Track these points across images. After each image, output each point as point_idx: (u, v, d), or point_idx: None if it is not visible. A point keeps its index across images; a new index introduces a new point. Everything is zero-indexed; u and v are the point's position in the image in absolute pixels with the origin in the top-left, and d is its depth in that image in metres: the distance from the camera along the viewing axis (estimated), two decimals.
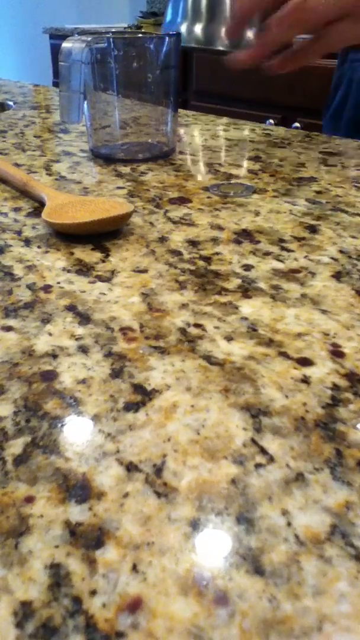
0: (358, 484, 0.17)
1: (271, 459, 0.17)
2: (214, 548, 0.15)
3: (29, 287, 0.28)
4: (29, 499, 0.16)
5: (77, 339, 0.24)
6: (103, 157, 0.51)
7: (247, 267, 0.30)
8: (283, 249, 0.32)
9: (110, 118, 0.49)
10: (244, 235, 0.34)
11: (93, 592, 0.14)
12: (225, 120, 0.67)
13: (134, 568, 0.14)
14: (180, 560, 0.14)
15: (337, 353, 0.23)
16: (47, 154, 0.52)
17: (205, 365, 0.22)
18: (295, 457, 0.18)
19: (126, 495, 0.16)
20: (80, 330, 0.24)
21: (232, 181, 0.44)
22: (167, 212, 0.38)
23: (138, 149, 0.51)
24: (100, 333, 0.24)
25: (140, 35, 0.52)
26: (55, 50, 2.70)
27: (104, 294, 0.27)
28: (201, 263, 0.30)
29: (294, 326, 0.25)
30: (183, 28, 0.54)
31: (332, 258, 0.31)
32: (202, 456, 0.18)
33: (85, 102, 0.48)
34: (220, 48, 0.54)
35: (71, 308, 0.26)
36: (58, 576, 0.14)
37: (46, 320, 0.25)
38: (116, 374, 0.21)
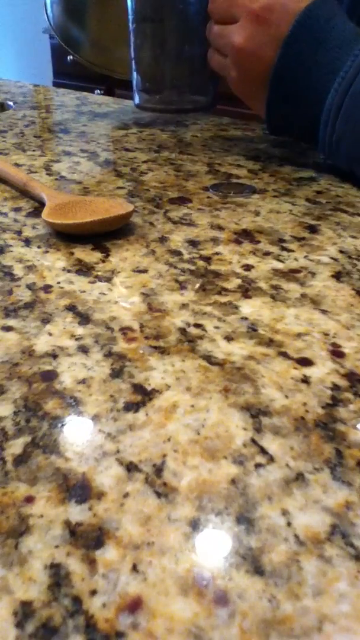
0: (358, 484, 0.17)
1: (271, 459, 0.17)
2: (214, 548, 0.15)
3: (29, 287, 0.28)
4: (29, 499, 0.16)
5: (77, 339, 0.24)
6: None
7: (247, 267, 0.30)
8: (283, 249, 0.32)
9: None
10: (244, 235, 0.34)
11: (93, 592, 0.14)
12: (225, 120, 0.67)
13: (134, 568, 0.14)
14: (180, 560, 0.14)
15: (337, 353, 0.23)
16: (47, 154, 0.52)
17: (205, 365, 0.22)
18: (295, 457, 0.18)
19: (126, 495, 0.16)
20: (80, 330, 0.24)
21: (232, 181, 0.44)
22: (167, 212, 0.38)
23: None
24: (100, 333, 0.24)
25: None
26: (55, 50, 2.70)
27: (104, 294, 0.27)
28: (201, 263, 0.30)
29: (294, 326, 0.25)
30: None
31: (332, 258, 0.31)
32: (202, 456, 0.18)
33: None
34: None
35: (71, 308, 0.26)
36: (58, 576, 0.14)
37: (46, 320, 0.25)
38: (116, 374, 0.21)
